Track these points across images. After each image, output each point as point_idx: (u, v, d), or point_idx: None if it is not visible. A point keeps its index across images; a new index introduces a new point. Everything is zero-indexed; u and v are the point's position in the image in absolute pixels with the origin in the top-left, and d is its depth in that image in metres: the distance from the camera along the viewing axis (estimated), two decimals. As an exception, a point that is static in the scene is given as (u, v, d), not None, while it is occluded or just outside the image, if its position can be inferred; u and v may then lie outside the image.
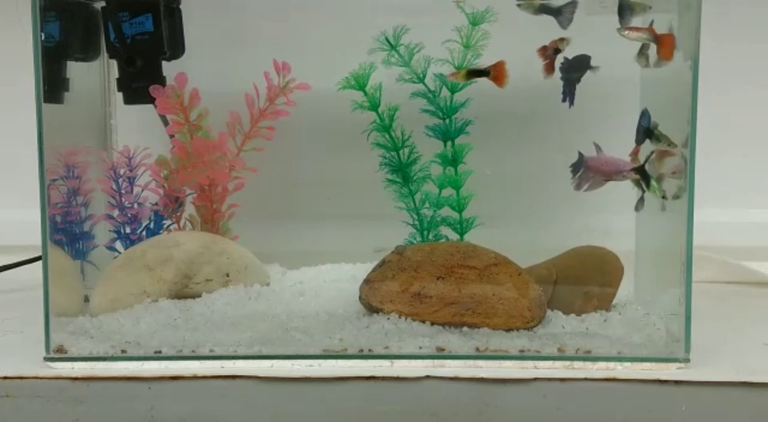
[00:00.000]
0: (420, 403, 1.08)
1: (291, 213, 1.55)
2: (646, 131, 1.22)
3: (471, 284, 1.19)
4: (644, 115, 1.23)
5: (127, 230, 1.42)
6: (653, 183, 1.22)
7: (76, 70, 1.35)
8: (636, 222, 1.38)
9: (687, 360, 1.11)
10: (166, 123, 1.40)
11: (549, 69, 1.23)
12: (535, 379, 1.08)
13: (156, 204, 1.42)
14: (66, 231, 1.37)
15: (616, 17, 1.22)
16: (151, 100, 1.38)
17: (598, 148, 1.25)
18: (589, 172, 1.25)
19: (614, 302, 1.29)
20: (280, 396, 1.09)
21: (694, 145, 1.11)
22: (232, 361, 1.13)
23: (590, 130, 1.37)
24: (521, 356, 1.13)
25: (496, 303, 1.18)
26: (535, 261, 1.30)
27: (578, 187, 1.27)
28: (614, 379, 1.08)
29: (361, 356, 1.14)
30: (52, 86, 1.27)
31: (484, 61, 1.31)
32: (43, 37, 1.14)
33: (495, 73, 1.26)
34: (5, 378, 1.09)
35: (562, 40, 1.22)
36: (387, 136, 1.38)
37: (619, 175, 1.24)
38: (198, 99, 1.38)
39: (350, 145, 1.45)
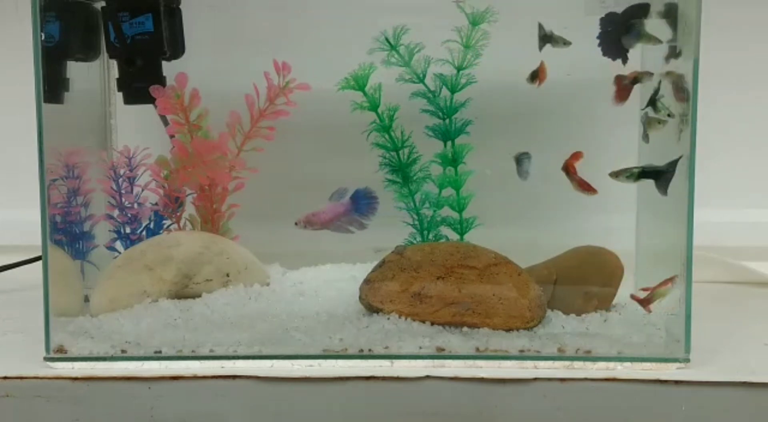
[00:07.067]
0: (420, 403, 1.08)
1: (291, 214, 1.55)
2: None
3: (471, 284, 1.19)
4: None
5: (127, 230, 1.42)
6: (660, 104, 1.18)
7: (76, 70, 1.35)
8: (636, 222, 1.38)
9: (687, 360, 1.11)
10: (166, 123, 1.40)
11: (622, 96, 1.21)
12: (535, 379, 1.08)
13: (156, 204, 1.42)
14: (66, 231, 1.37)
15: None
16: (151, 100, 1.38)
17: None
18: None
19: (614, 302, 1.29)
20: (280, 396, 1.09)
21: (695, 145, 1.11)
22: (232, 361, 1.13)
23: (590, 129, 1.37)
24: (521, 356, 1.13)
25: (496, 303, 1.18)
26: (535, 261, 1.30)
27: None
28: (614, 379, 1.08)
29: (361, 356, 1.14)
30: (52, 86, 1.27)
31: (484, 61, 1.31)
32: (43, 37, 1.14)
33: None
34: (5, 378, 1.09)
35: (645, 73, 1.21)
36: (387, 136, 1.38)
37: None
38: (198, 99, 1.38)
39: (350, 145, 1.45)
